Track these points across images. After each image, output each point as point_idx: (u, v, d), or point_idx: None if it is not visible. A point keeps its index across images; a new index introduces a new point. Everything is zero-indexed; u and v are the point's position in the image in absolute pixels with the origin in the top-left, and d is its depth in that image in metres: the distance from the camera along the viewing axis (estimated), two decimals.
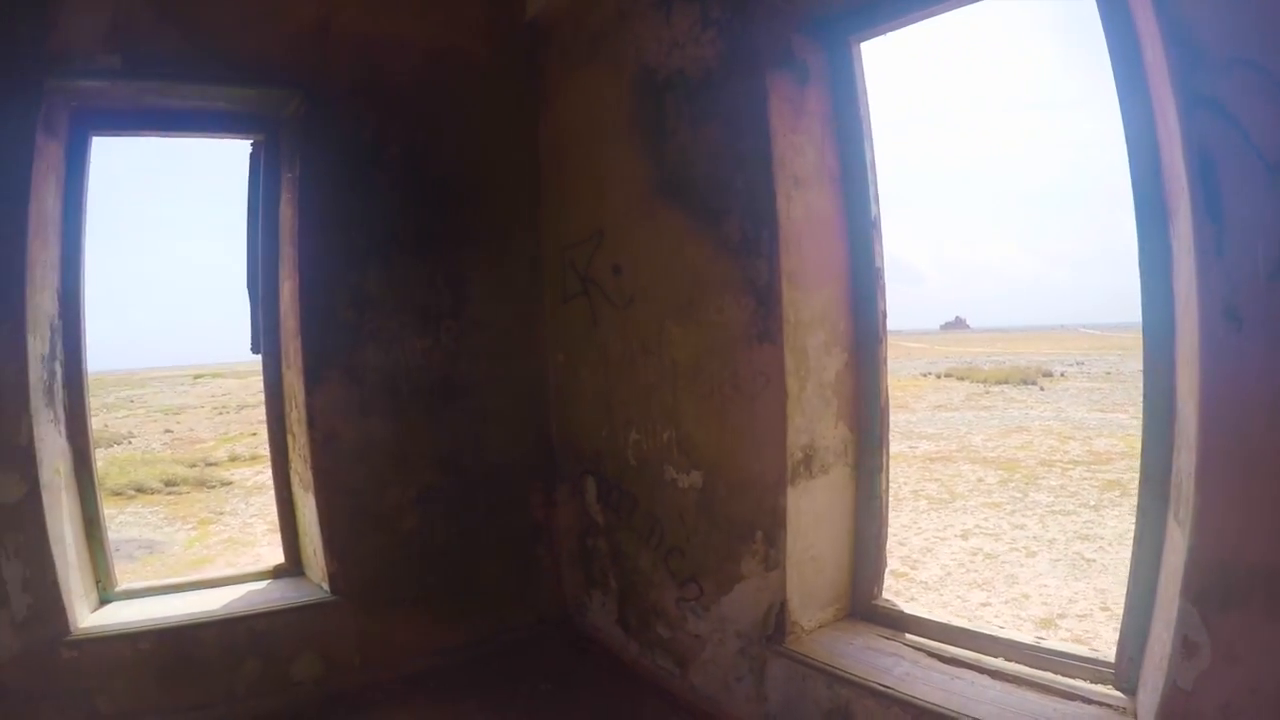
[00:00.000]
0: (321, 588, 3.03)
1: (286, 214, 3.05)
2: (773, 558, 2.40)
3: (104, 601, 2.97)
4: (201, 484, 10.46)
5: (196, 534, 7.87)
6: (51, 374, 2.75)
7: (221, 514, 8.78)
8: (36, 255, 2.64)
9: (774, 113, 2.32)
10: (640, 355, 2.85)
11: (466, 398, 3.21)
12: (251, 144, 3.15)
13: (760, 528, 2.42)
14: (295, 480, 3.19)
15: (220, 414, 20.92)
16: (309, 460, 2.96)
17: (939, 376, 23.69)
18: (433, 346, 3.14)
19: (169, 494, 9.91)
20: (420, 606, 3.10)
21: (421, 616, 3.10)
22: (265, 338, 3.18)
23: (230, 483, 10.60)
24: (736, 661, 2.55)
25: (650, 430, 2.83)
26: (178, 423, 19.16)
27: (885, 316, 2.51)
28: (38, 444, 2.59)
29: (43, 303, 2.70)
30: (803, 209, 2.37)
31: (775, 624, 2.41)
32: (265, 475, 10.60)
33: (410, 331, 3.10)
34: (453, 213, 3.18)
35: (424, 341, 3.13)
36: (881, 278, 2.50)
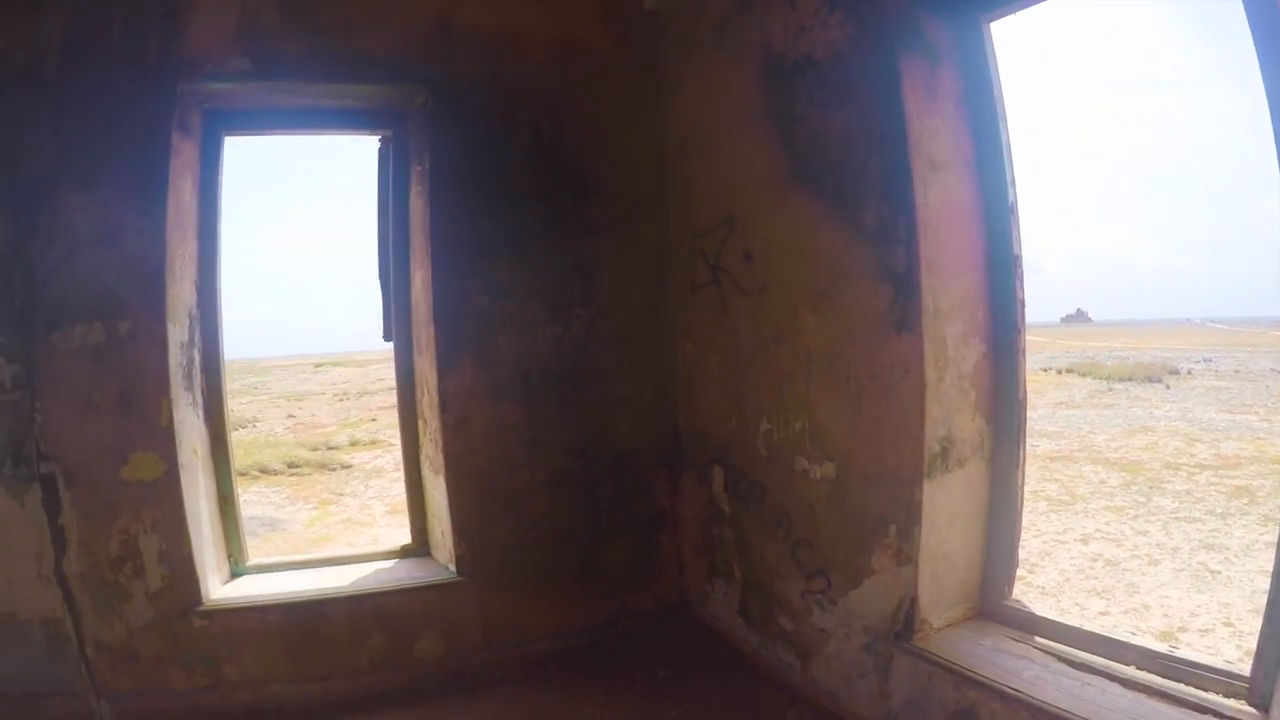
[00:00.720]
0: (448, 568, 3.13)
1: (417, 205, 3.14)
2: (905, 553, 2.35)
3: (235, 575, 3.16)
4: (322, 466, 10.91)
5: (317, 514, 8.21)
6: (190, 360, 2.94)
7: (341, 495, 9.13)
8: (175, 248, 2.82)
9: (907, 95, 2.25)
10: (773, 343, 2.80)
11: (596, 385, 3.24)
12: (380, 139, 3.25)
13: (894, 521, 2.36)
14: (425, 463, 3.29)
15: (341, 400, 21.80)
16: (440, 444, 3.06)
17: (1060, 372, 22.57)
18: (563, 334, 3.18)
19: (291, 475, 10.39)
20: (543, 589, 3.16)
21: (544, 599, 3.16)
22: (397, 326, 3.28)
23: (350, 466, 11.00)
24: (860, 657, 2.52)
25: (782, 420, 2.78)
26: (300, 408, 20.09)
27: (1024, 306, 2.42)
28: (177, 426, 2.78)
29: (181, 293, 2.88)
30: (940, 193, 2.29)
31: (905, 621, 2.37)
32: (384, 459, 11.11)
33: (541, 319, 3.14)
34: (581, 202, 3.21)
35: (554, 329, 3.17)
36: (1019, 265, 2.41)
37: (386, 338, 3.33)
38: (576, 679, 2.97)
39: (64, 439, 2.73)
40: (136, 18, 2.84)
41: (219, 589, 2.99)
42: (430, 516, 3.32)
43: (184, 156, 2.89)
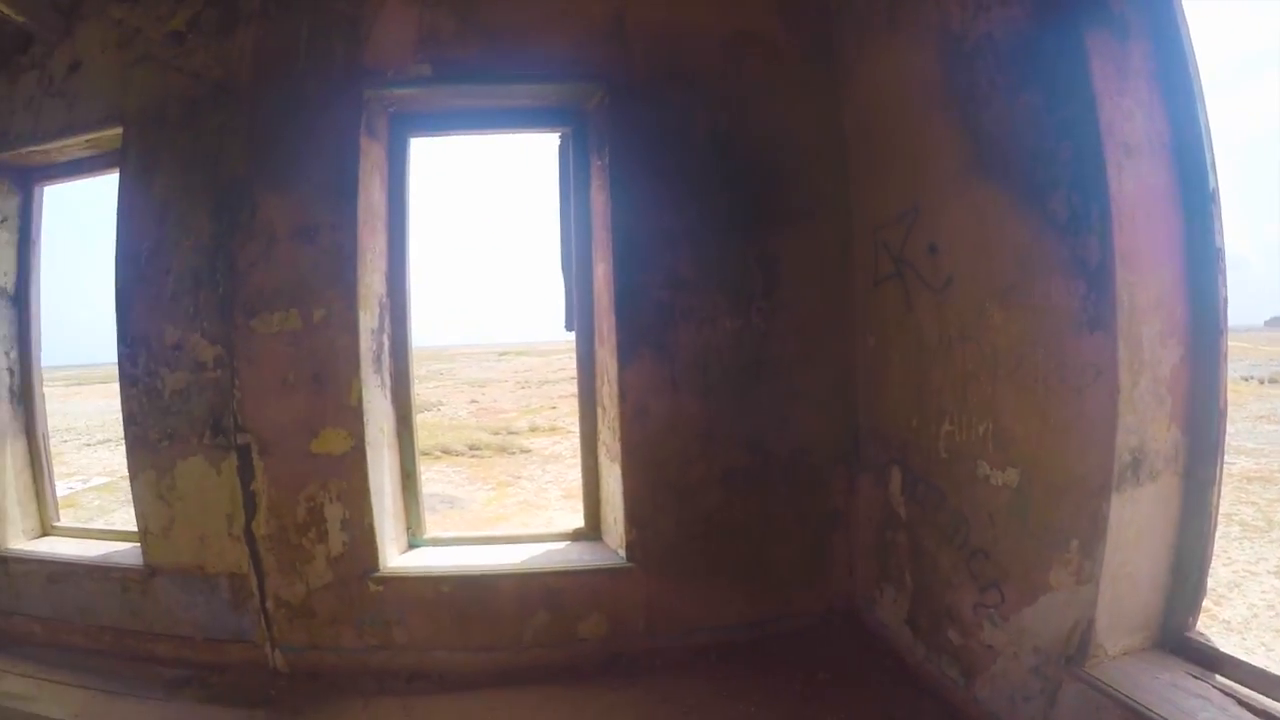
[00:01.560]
0: (618, 554, 3.24)
1: (598, 200, 3.25)
2: (1086, 570, 2.19)
3: (413, 546, 3.41)
4: (502, 450, 11.51)
5: (494, 494, 8.68)
6: (380, 345, 3.20)
7: (518, 478, 9.59)
8: (366, 242, 3.09)
9: (1096, 73, 2.09)
10: (957, 341, 2.68)
11: (775, 380, 3.23)
12: (559, 136, 3.40)
13: (1076, 536, 2.20)
14: (602, 450, 3.41)
15: (522, 388, 23.11)
16: (618, 433, 3.16)
17: (1263, 382, 20.34)
18: (743, 327, 3.19)
19: (471, 457, 11.03)
20: (711, 581, 3.19)
21: (711, 591, 3.19)
22: (579, 316, 3.42)
23: (529, 451, 11.54)
24: (1028, 679, 2.39)
25: (965, 422, 2.66)
26: (482, 394, 21.46)
27: (1226, 304, 2.18)
28: (365, 405, 3.05)
29: (373, 283, 3.14)
30: (1134, 181, 2.11)
31: (1078, 644, 2.23)
32: (562, 445, 11.62)
33: (721, 311, 3.16)
34: (761, 194, 3.20)
35: (735, 322, 3.18)
36: (1221, 259, 2.18)
37: (568, 328, 3.45)
38: (735, 674, 2.99)
39: (259, 413, 3.07)
40: (322, 32, 3.16)
41: (396, 558, 3.26)
42: (604, 503, 3.44)
43: (372, 158, 3.16)
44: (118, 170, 3.38)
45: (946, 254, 2.75)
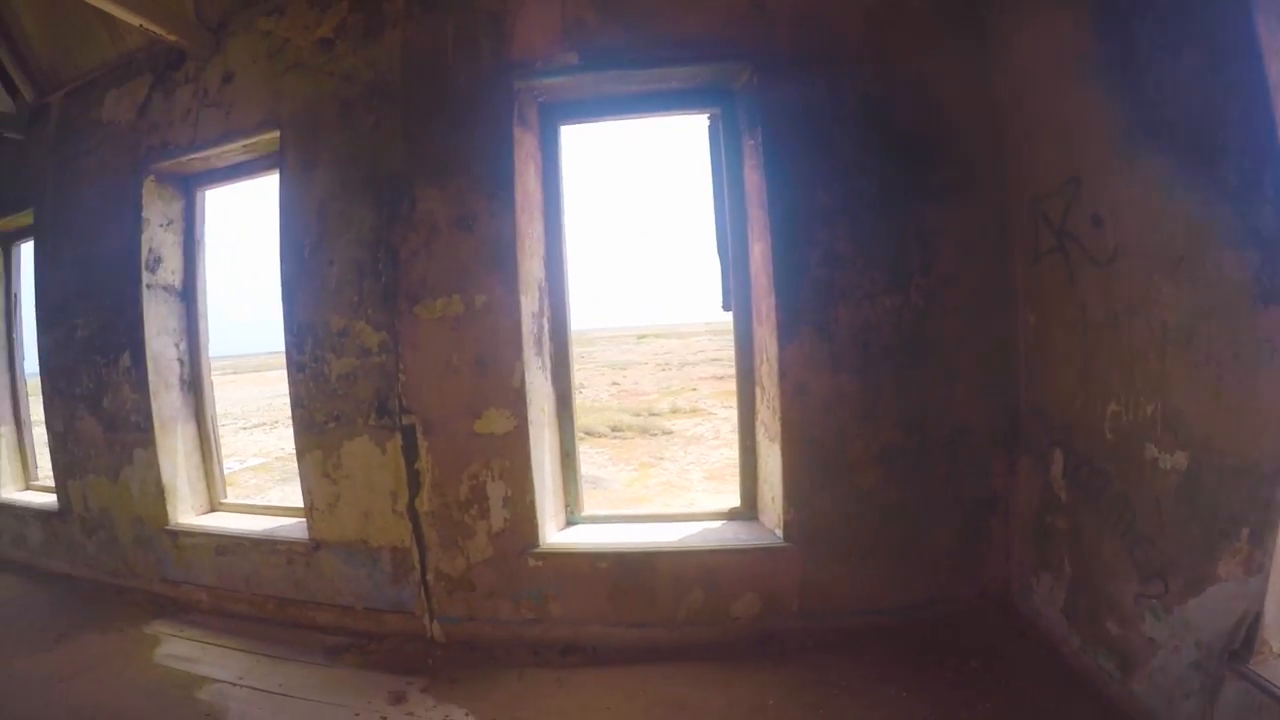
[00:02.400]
0: (774, 533, 3.30)
1: (752, 179, 3.29)
2: (1256, 560, 2.09)
3: (570, 523, 3.58)
4: (644, 432, 11.64)
5: (637, 475, 8.78)
6: (540, 328, 3.37)
7: (660, 459, 9.66)
8: (524, 229, 3.24)
9: (1262, 28, 1.96)
10: (1124, 317, 2.59)
11: (933, 358, 3.19)
12: (708, 117, 3.46)
13: (1247, 524, 2.10)
14: (760, 430, 3.47)
15: (663, 370, 23.37)
16: (777, 411, 3.19)
17: None
18: (902, 305, 3.16)
19: (614, 438, 11.22)
20: (865, 563, 3.20)
21: (864, 573, 3.21)
22: (736, 296, 3.47)
23: (671, 432, 11.59)
24: (1188, 675, 2.32)
25: (1132, 402, 2.57)
26: (623, 376, 21.78)
27: None
28: (527, 387, 3.21)
29: (532, 269, 3.30)
30: None
31: (1244, 639, 2.15)
32: (703, 427, 11.68)
33: (880, 289, 3.14)
34: (914, 167, 3.16)
35: (893, 299, 3.16)
36: None
37: (725, 307, 3.52)
38: (885, 657, 3.01)
39: (423, 395, 3.28)
40: (466, 29, 3.34)
41: (555, 534, 3.43)
42: (761, 482, 3.50)
43: (526, 147, 3.32)
44: (276, 172, 3.68)
45: (1111, 226, 2.63)
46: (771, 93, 3.13)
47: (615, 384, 19.51)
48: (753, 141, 3.22)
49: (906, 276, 3.16)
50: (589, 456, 9.64)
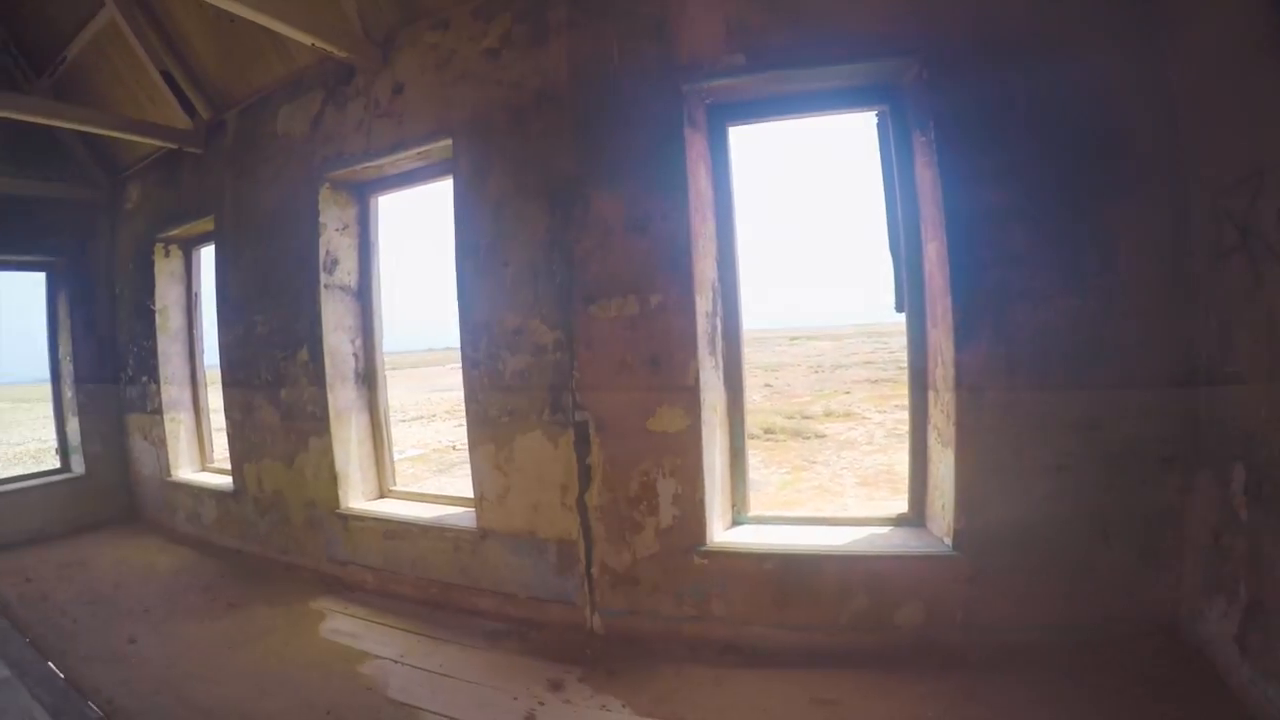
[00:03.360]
0: (943, 541, 3.18)
1: (925, 177, 3.20)
2: None
3: (736, 523, 3.58)
4: (796, 434, 11.54)
5: (789, 478, 8.66)
6: (713, 328, 3.39)
7: (813, 463, 9.52)
8: (697, 230, 3.27)
9: None
10: None
11: (1110, 363, 3.03)
12: (876, 114, 3.40)
13: None
14: (932, 434, 3.35)
15: (815, 372, 23.28)
16: (952, 416, 3.09)
17: None
18: (1080, 307, 3.01)
19: (766, 440, 11.18)
20: (1034, 578, 3.05)
21: (1033, 588, 3.05)
22: (909, 297, 3.37)
23: (823, 436, 11.45)
24: None
25: None
26: (775, 378, 21.74)
27: None
28: (701, 386, 3.24)
29: (705, 269, 3.33)
30: None
31: None
32: (857, 432, 11.51)
33: (1056, 290, 3.00)
34: (1089, 165, 3.00)
35: (1070, 301, 3.01)
36: None
37: (899, 309, 3.43)
38: (1047, 679, 2.86)
39: (597, 393, 3.37)
40: (630, 35, 3.39)
41: (721, 533, 3.44)
42: (932, 488, 3.38)
43: (696, 149, 3.35)
44: (448, 178, 3.87)
45: None
46: (941, 88, 3.04)
47: (768, 385, 19.37)
48: (924, 138, 3.14)
49: (1083, 278, 2.99)
50: None
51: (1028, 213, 3.00)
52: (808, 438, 10.96)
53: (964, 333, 3.05)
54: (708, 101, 3.42)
